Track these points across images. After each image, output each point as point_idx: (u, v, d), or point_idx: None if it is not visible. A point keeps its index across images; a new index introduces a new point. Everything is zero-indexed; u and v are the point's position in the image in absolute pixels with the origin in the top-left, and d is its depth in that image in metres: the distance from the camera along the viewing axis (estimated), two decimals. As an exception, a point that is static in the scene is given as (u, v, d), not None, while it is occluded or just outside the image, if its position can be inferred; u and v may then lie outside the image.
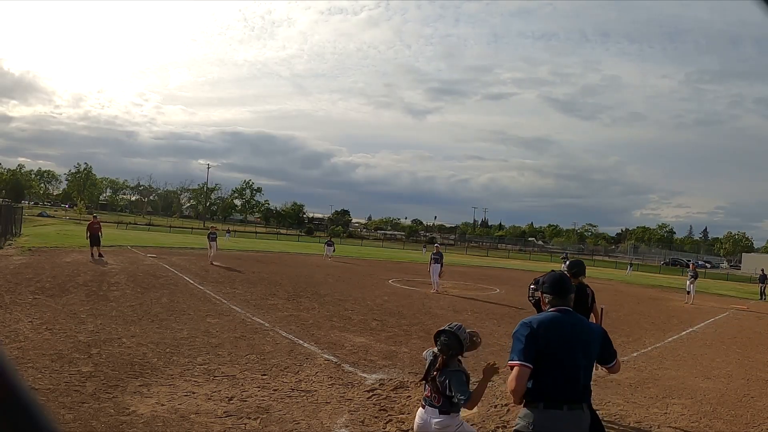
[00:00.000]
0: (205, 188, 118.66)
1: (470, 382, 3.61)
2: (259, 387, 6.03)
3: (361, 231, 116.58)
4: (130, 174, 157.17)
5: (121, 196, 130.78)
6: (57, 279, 13.45)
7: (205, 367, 6.65)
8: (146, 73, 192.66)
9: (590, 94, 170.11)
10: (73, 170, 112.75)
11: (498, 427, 5.33)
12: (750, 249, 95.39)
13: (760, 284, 28.13)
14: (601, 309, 6.22)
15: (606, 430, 4.90)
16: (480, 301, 16.15)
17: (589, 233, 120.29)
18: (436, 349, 3.58)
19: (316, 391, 6.08)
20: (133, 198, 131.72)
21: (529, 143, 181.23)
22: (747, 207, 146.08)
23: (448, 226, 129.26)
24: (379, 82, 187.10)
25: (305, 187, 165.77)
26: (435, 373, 3.49)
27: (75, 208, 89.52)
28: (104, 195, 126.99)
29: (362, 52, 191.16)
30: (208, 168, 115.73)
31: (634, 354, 9.71)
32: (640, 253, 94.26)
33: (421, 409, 3.60)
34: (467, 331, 3.63)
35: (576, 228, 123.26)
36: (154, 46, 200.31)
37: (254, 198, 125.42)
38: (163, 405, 5.21)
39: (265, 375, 6.53)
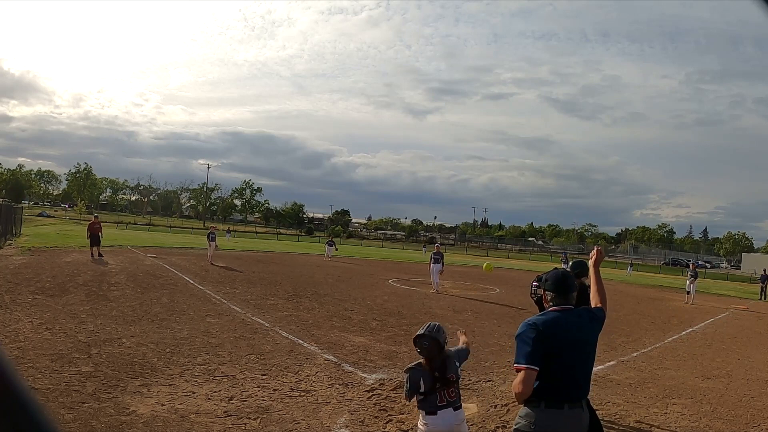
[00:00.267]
0: (205, 188, 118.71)
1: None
2: (259, 387, 6.03)
3: (361, 231, 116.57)
4: (130, 174, 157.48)
5: (121, 196, 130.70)
6: (57, 279, 13.46)
7: (205, 367, 6.65)
8: (146, 73, 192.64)
9: (591, 94, 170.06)
10: (73, 170, 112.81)
11: (498, 427, 5.33)
12: (750, 249, 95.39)
13: (761, 284, 28.15)
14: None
15: (606, 430, 4.91)
16: (480, 301, 16.14)
17: (589, 233, 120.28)
18: (419, 361, 3.51)
19: (316, 391, 6.08)
20: (133, 198, 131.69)
21: (529, 143, 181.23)
22: (747, 207, 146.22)
23: (448, 226, 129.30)
24: (380, 82, 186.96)
25: (305, 187, 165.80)
26: (438, 374, 3.45)
27: (75, 208, 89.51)
28: (104, 195, 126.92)
29: (362, 52, 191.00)
30: (208, 168, 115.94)
31: (634, 354, 9.71)
32: (640, 253, 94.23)
33: (448, 411, 3.45)
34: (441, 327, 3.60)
35: (576, 228, 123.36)
36: (154, 46, 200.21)
37: (254, 198, 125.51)
38: (163, 405, 5.21)
39: (265, 375, 6.53)
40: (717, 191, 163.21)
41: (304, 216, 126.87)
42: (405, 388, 3.52)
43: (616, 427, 5.66)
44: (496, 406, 5.99)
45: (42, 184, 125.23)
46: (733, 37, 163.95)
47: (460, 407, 3.53)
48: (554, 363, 2.75)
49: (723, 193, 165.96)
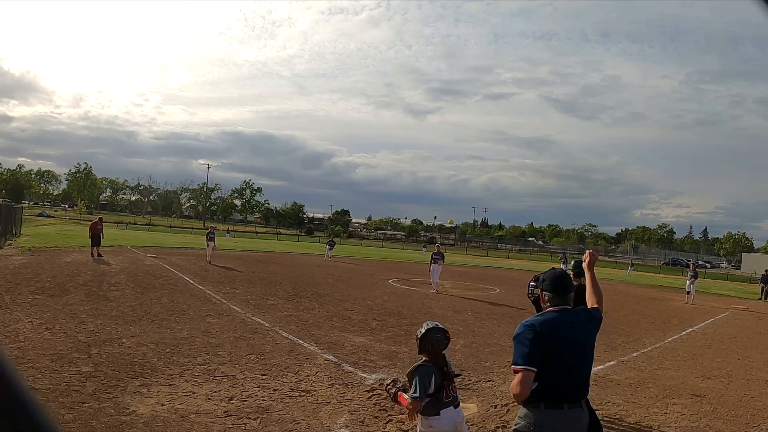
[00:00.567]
0: (205, 188, 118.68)
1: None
2: (259, 387, 6.03)
3: (361, 231, 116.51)
4: (130, 174, 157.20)
5: (121, 196, 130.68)
6: (57, 279, 13.46)
7: (205, 367, 6.65)
8: (146, 73, 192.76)
9: (591, 94, 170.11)
10: (73, 170, 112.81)
11: (498, 427, 5.33)
12: (750, 249, 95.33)
13: (762, 284, 28.14)
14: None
15: (606, 430, 4.91)
16: (480, 301, 16.14)
17: (589, 233, 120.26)
18: (424, 359, 3.50)
19: (316, 391, 6.08)
20: (133, 198, 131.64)
21: (529, 143, 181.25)
22: (747, 207, 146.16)
23: (448, 226, 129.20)
24: (380, 82, 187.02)
25: (305, 187, 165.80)
26: (445, 369, 3.47)
27: (75, 208, 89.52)
28: (104, 195, 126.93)
29: (363, 52, 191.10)
30: (208, 168, 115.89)
31: (634, 354, 9.71)
32: (640, 253, 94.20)
33: (450, 410, 3.45)
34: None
35: (576, 228, 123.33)
36: (154, 46, 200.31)
37: (254, 198, 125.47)
38: (163, 405, 5.21)
39: (265, 375, 6.53)
40: (717, 191, 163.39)
41: (304, 216, 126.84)
42: (415, 389, 3.37)
43: (616, 427, 5.66)
44: (496, 406, 5.99)
45: (42, 184, 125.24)
46: (733, 37, 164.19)
47: (459, 405, 3.55)
48: (553, 363, 2.75)
49: (723, 193, 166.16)
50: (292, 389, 6.07)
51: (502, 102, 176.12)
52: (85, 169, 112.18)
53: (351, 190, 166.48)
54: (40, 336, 7.51)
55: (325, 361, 7.44)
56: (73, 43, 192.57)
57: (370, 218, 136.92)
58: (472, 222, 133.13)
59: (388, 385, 3.68)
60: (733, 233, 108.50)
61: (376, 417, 5.38)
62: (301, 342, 8.53)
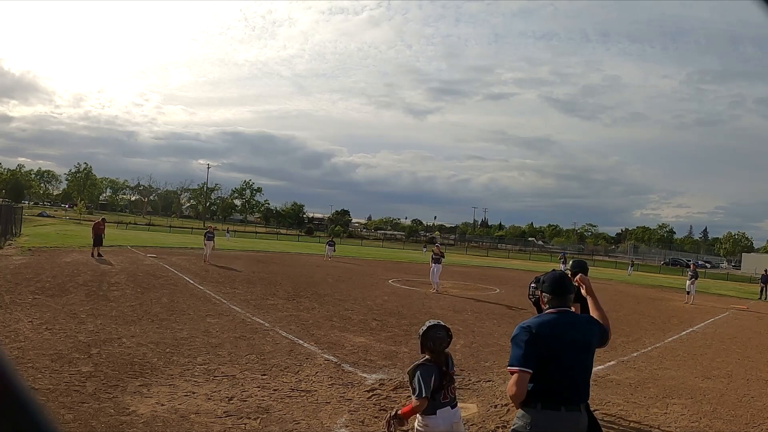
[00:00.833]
0: (205, 188, 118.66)
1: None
2: (259, 387, 6.03)
3: (361, 231, 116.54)
4: (130, 174, 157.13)
5: (121, 196, 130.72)
6: (57, 279, 13.46)
7: (205, 367, 6.65)
8: (147, 73, 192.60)
9: (591, 94, 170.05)
10: (73, 170, 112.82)
11: (498, 427, 5.33)
12: (750, 249, 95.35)
13: (762, 284, 28.15)
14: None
15: (606, 430, 4.91)
16: (480, 301, 16.15)
17: (589, 233, 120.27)
18: (424, 358, 3.50)
19: (316, 391, 6.08)
20: (133, 198, 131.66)
21: (529, 143, 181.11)
22: (747, 207, 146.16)
23: (448, 226, 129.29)
24: (380, 82, 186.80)
25: (305, 187, 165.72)
26: (445, 369, 3.46)
27: (75, 208, 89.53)
28: (104, 195, 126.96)
29: (363, 52, 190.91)
30: (208, 168, 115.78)
31: (634, 354, 9.71)
32: (640, 253, 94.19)
33: (446, 410, 3.43)
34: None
35: (576, 228, 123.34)
36: (154, 46, 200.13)
37: (254, 198, 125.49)
38: (163, 405, 5.21)
39: (265, 375, 6.53)
40: (717, 191, 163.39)
41: (304, 216, 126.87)
42: (420, 388, 3.32)
43: (616, 427, 5.66)
44: (496, 406, 5.99)
45: (42, 184, 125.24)
46: (733, 37, 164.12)
47: (456, 405, 3.54)
48: (552, 365, 2.77)
49: (723, 193, 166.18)
50: (292, 389, 6.07)
51: (502, 102, 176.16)
52: (85, 169, 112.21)
53: (351, 190, 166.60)
54: (40, 336, 7.51)
55: (325, 361, 7.44)
56: (73, 43, 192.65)
57: (370, 218, 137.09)
58: (472, 222, 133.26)
59: (390, 421, 3.43)
60: (733, 233, 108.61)
61: (376, 417, 5.37)
62: (301, 342, 8.53)
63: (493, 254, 70.37)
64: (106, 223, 22.34)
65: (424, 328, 3.55)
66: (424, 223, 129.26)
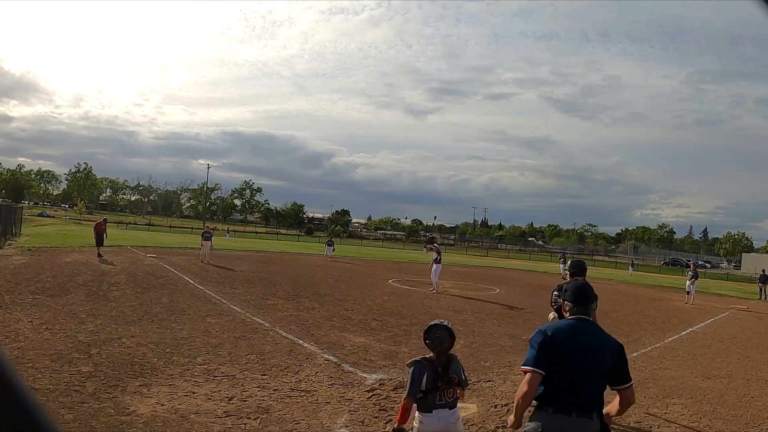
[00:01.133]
0: (205, 188, 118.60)
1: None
2: (259, 387, 6.03)
3: (361, 231, 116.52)
4: (130, 174, 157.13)
5: (121, 196, 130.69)
6: (57, 279, 13.46)
7: (205, 367, 6.65)
8: (147, 73, 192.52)
9: (591, 94, 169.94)
10: (73, 170, 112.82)
11: (498, 427, 5.33)
12: (750, 249, 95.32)
13: (761, 284, 28.14)
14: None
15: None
16: (480, 301, 16.14)
17: (589, 233, 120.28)
18: (427, 355, 3.51)
19: (316, 391, 6.08)
20: (133, 198, 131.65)
21: (529, 143, 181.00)
22: (747, 207, 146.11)
23: (448, 226, 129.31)
24: (380, 82, 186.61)
25: (305, 187, 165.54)
26: (441, 370, 3.45)
27: (75, 208, 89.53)
28: (104, 195, 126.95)
29: (363, 52, 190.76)
30: (208, 168, 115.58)
31: (634, 354, 9.70)
32: (640, 253, 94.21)
33: (442, 411, 3.44)
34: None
35: (576, 228, 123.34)
36: (154, 46, 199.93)
37: (254, 198, 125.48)
38: (163, 405, 5.21)
39: (265, 375, 6.53)
40: (717, 191, 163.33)
41: (304, 216, 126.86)
42: (407, 386, 3.48)
43: (616, 427, 5.65)
44: (496, 406, 5.99)
45: (42, 184, 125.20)
46: (733, 37, 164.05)
47: (455, 407, 3.54)
48: (561, 369, 2.85)
49: (723, 193, 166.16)
50: (292, 389, 6.07)
51: (502, 102, 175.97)
52: (85, 169, 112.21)
53: (351, 190, 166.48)
54: (40, 336, 7.51)
55: (325, 361, 7.44)
56: (73, 43, 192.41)
57: (370, 218, 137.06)
58: (472, 222, 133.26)
59: None
60: (733, 233, 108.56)
61: (376, 417, 5.38)
62: (301, 342, 8.53)
63: (493, 254, 70.37)
64: (107, 223, 22.33)
65: (427, 326, 3.58)
66: (424, 223, 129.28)
